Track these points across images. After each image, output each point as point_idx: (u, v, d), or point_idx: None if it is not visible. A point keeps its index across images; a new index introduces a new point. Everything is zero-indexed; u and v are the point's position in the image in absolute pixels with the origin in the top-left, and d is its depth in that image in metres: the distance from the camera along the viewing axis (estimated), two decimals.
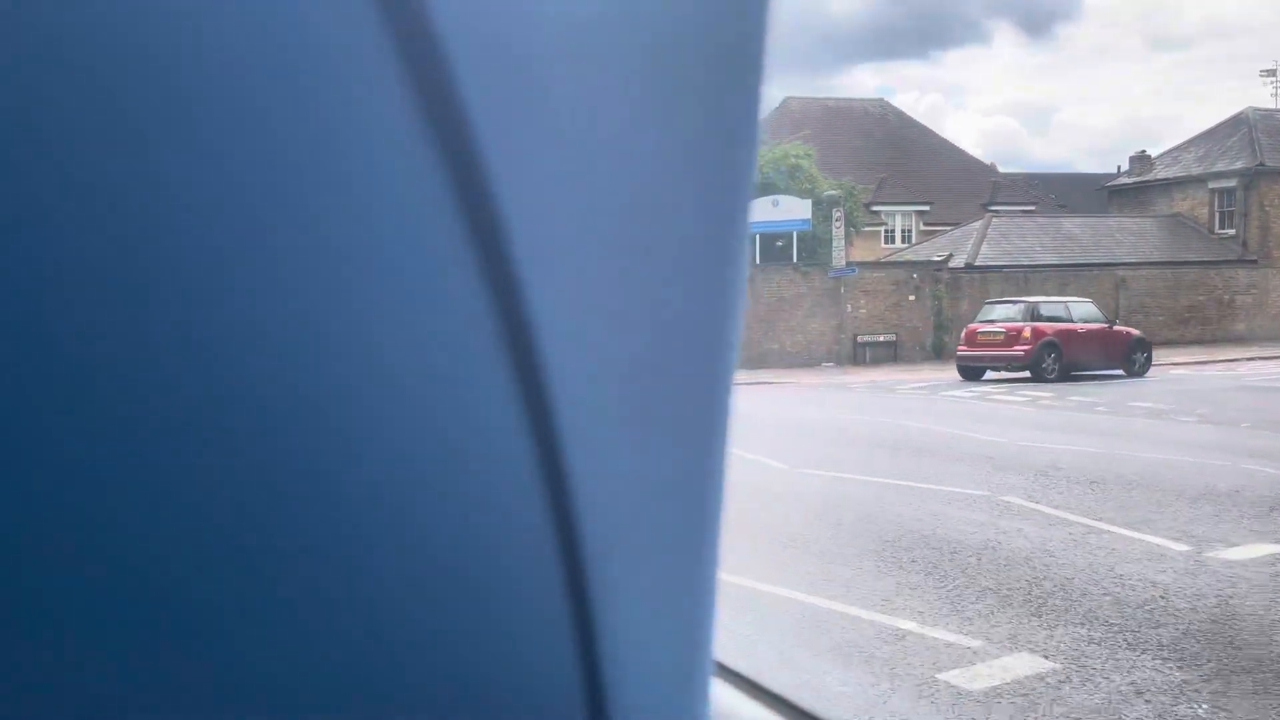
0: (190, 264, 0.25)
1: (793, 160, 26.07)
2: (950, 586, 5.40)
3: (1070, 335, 19.03)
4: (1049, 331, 18.84)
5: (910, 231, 36.75)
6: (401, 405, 0.28)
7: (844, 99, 41.36)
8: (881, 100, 41.43)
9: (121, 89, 0.23)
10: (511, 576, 0.32)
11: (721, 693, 0.64)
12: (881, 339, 24.85)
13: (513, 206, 0.28)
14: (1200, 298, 28.38)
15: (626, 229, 0.31)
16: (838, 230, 24.18)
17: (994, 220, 29.14)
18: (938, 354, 25.15)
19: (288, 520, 0.28)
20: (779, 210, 24.54)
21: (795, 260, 24.68)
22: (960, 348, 19.76)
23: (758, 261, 24.64)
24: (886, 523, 6.85)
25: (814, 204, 24.56)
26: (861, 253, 27.95)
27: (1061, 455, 9.46)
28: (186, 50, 0.23)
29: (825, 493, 7.94)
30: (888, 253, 32.55)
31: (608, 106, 0.29)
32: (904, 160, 37.52)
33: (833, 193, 25.28)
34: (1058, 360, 18.65)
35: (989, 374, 19.30)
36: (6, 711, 0.27)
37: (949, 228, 34.89)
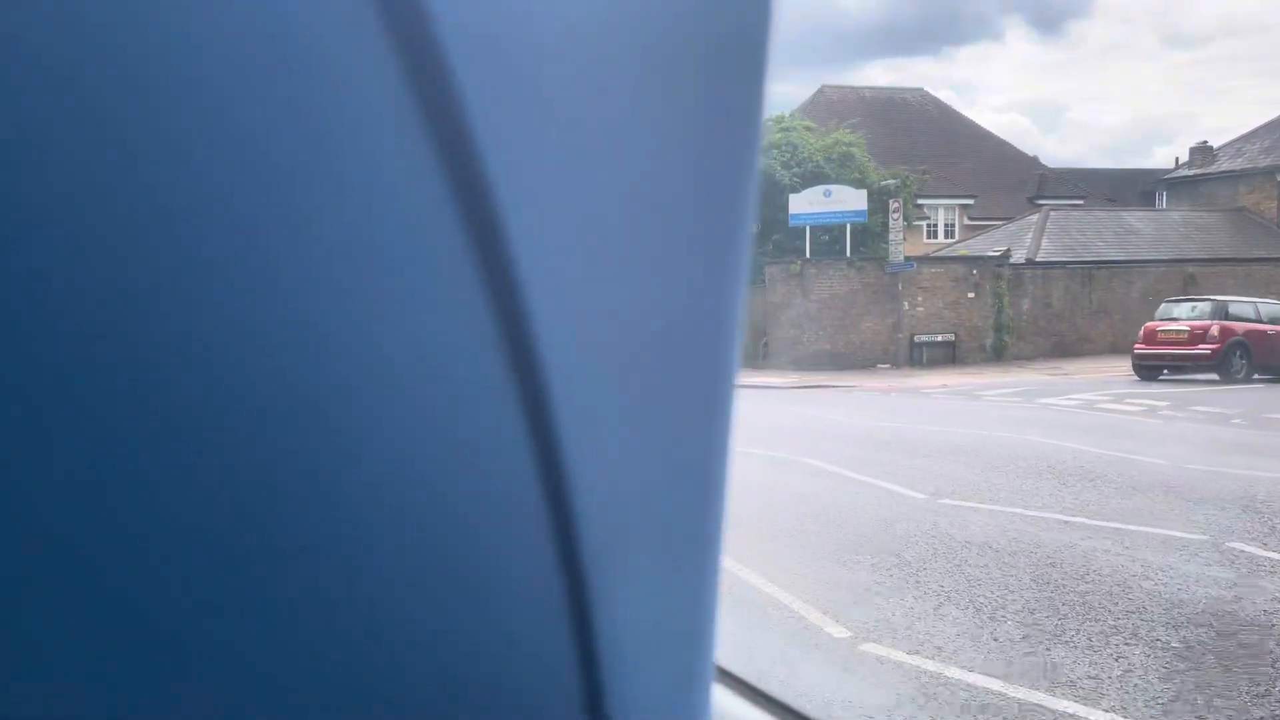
0: (191, 263, 0.25)
1: (843, 148, 24.52)
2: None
3: (1260, 336, 17.73)
4: (1238, 331, 17.57)
5: (953, 226, 35.15)
6: (401, 404, 0.28)
7: (882, 88, 39.77)
8: (921, 90, 39.81)
9: (122, 89, 0.23)
10: (511, 577, 0.32)
11: (721, 696, 0.63)
12: (940, 339, 23.29)
13: (512, 205, 0.27)
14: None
15: (626, 227, 0.31)
16: (895, 222, 22.62)
17: (1051, 214, 27.55)
18: (998, 355, 23.58)
19: (287, 520, 0.28)
20: (831, 201, 23.02)
21: (848, 254, 23.16)
22: (1138, 345, 18.44)
23: (808, 255, 23.13)
24: (1110, 583, 5.33)
25: (868, 194, 23.04)
26: (905, 248, 26.40)
27: (1252, 483, 7.93)
28: (186, 50, 0.23)
29: (1000, 534, 6.42)
30: (932, 248, 30.96)
31: (608, 105, 0.29)
32: (945, 152, 35.91)
33: (890, 182, 23.73)
34: (1246, 360, 17.34)
35: (1096, 379, 17.73)
36: (7, 711, 0.27)
37: (995, 222, 33.31)
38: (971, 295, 23.52)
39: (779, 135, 24.45)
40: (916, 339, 23.05)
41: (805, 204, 23.00)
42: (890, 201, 22.87)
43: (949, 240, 33.97)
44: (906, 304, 22.84)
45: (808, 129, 25.20)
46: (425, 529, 0.29)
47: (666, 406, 0.33)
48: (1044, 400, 14.62)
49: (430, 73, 0.26)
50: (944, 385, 17.87)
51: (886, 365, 22.66)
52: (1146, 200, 36.79)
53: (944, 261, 24.64)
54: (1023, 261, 24.92)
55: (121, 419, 0.25)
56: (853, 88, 38.74)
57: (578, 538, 0.32)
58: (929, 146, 35.51)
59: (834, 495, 7.75)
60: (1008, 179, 36.71)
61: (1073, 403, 14.30)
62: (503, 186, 0.27)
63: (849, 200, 22.84)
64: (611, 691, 0.34)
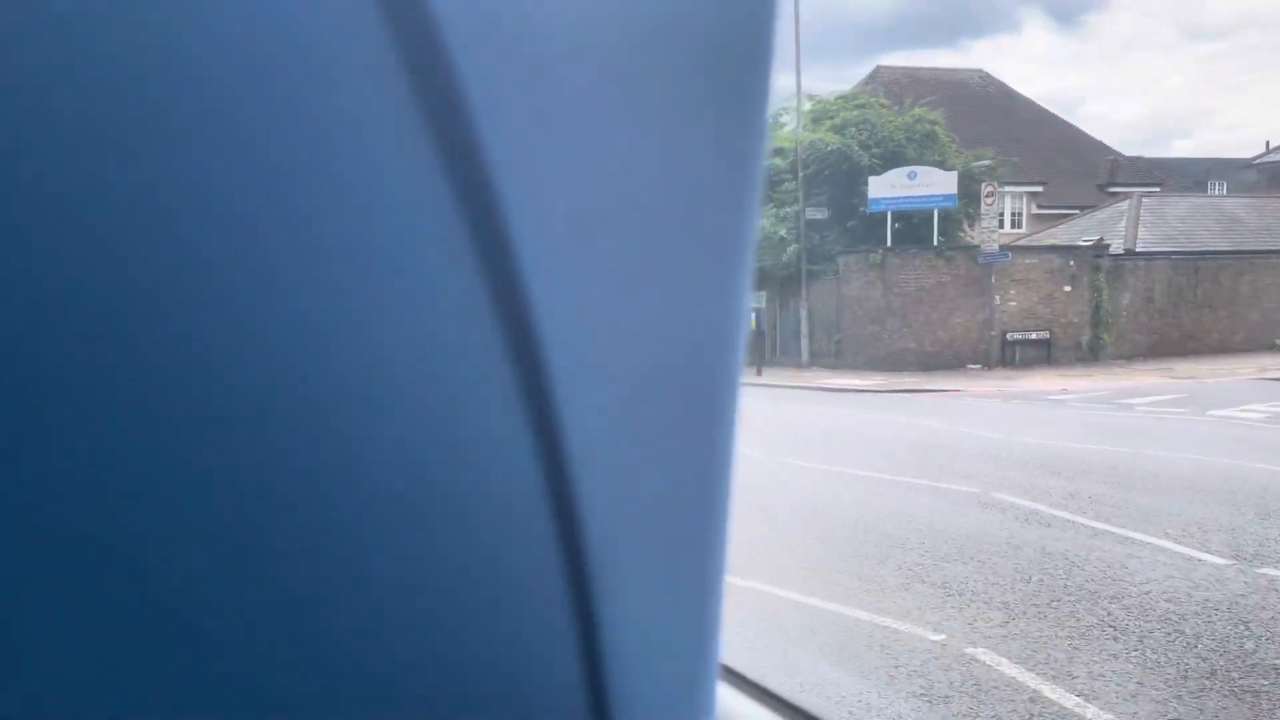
0: (192, 263, 0.25)
1: (926, 126, 22.38)
2: None
3: None
4: None
5: (1021, 215, 32.94)
6: (405, 407, 0.28)
7: (941, 69, 37.55)
8: (981, 71, 37.57)
9: (121, 88, 0.23)
10: (515, 579, 0.32)
11: (726, 696, 0.63)
12: (1034, 337, 21.15)
13: (516, 207, 0.28)
14: None
15: (631, 231, 0.31)
16: (990, 207, 20.49)
17: (1145, 200, 25.31)
18: (1094, 355, 21.44)
19: (290, 523, 0.28)
20: (917, 184, 20.91)
21: (936, 243, 21.04)
22: None
23: (888, 243, 21.03)
24: None
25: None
26: (970, 239, 24.23)
27: None
28: (186, 48, 0.23)
29: None
30: (1000, 239, 28.75)
31: (612, 106, 0.29)
32: (1010, 137, 33.64)
33: (983, 163, 21.60)
34: None
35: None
36: (7, 711, 0.27)
37: (1066, 211, 31.14)
38: (1068, 289, 21.38)
39: (855, 113, 22.37)
40: (1009, 337, 20.92)
41: (887, 187, 20.91)
42: (983, 184, 20.76)
43: (1017, 230, 31.74)
44: (998, 298, 20.71)
45: (883, 106, 23.06)
46: (429, 532, 0.29)
47: (671, 408, 0.33)
48: (1217, 412, 12.47)
49: (434, 72, 0.26)
50: (1064, 390, 15.77)
51: (977, 366, 20.56)
52: (1199, 188, 34.51)
53: (1038, 251, 22.45)
54: (1121, 252, 22.74)
55: (125, 421, 0.25)
56: (908, 68, 36.53)
57: (582, 541, 0.32)
58: (992, 131, 33.23)
59: (1116, 566, 5.68)
60: (1076, 165, 34.44)
61: (1258, 415, 12.15)
62: (507, 189, 0.27)
63: (937, 183, 20.73)
64: (615, 694, 0.34)
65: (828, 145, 21.38)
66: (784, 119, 25.05)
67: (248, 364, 0.26)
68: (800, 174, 21.57)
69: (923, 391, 16.54)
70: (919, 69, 36.82)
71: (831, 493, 7.70)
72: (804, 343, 22.21)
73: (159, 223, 0.24)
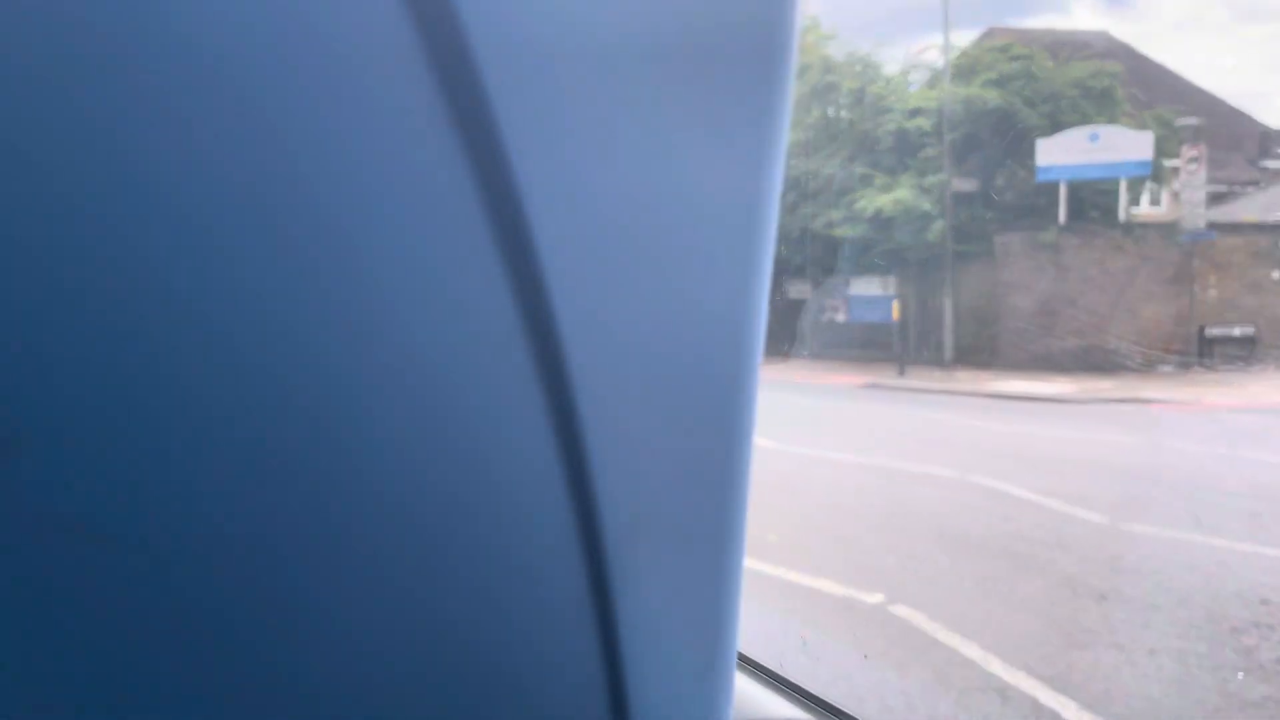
0: (220, 259, 0.25)
1: (1104, 81, 18.84)
2: None
3: None
4: None
5: (1159, 193, 29.22)
6: (425, 398, 0.29)
7: (1059, 31, 33.70)
8: (1106, 33, 33.60)
9: (153, 84, 0.23)
10: (534, 569, 0.32)
11: (743, 684, 0.64)
12: (1236, 333, 17.58)
13: (537, 200, 0.29)
14: None
15: (649, 226, 0.32)
16: (1194, 177, 16.95)
17: None
18: None
19: (311, 513, 0.28)
20: (1099, 148, 17.42)
21: (1122, 218, 17.53)
22: None
23: (1062, 220, 17.58)
24: None
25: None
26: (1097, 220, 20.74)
27: None
28: (220, 49, 0.24)
29: None
30: (1137, 218, 25.15)
31: (632, 101, 0.30)
32: (1144, 106, 29.93)
33: (1189, 121, 18.04)
34: None
35: None
36: (7, 712, 0.27)
37: (1216, 187, 27.38)
38: (1276, 275, 17.76)
39: (1015, 65, 18.88)
40: (1207, 332, 17.37)
41: (1060, 152, 17.45)
42: (1184, 148, 17.21)
43: (1155, 209, 28.12)
44: (1196, 286, 17.17)
45: (1046, 57, 19.53)
46: (450, 528, 0.30)
47: (690, 400, 0.34)
48: None
49: (458, 73, 0.26)
50: None
51: (1169, 367, 17.05)
52: None
53: (1242, 230, 18.84)
54: None
55: (146, 416, 0.25)
56: (1023, 30, 32.78)
57: (600, 531, 0.32)
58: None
59: None
60: (1219, 137, 30.59)
61: None
62: (528, 182, 0.28)
63: (1125, 146, 17.25)
64: (633, 683, 0.35)
65: (986, 102, 17.92)
66: (911, 77, 21.66)
67: (278, 362, 0.26)
68: (947, 137, 18.16)
69: (1144, 402, 13.13)
70: (1037, 31, 33.13)
71: None
72: (947, 336, 18.82)
73: (187, 221, 0.24)
